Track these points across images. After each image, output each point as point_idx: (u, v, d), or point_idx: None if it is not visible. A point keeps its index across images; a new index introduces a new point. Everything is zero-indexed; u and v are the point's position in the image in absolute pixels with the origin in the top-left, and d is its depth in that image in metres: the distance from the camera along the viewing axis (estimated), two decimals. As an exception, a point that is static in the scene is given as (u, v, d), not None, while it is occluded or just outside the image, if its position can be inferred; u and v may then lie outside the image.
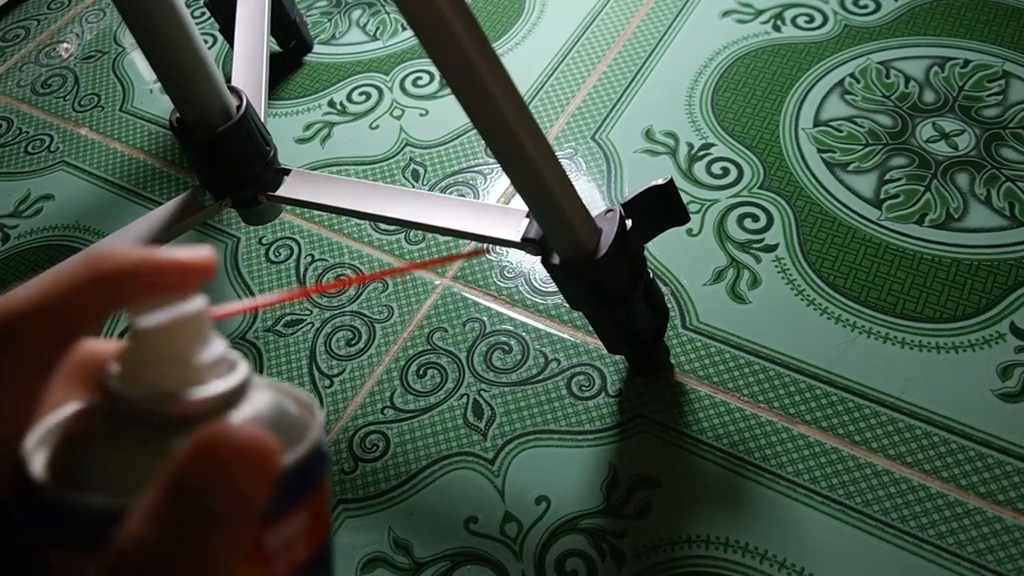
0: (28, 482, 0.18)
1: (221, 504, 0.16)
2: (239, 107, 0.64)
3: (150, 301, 0.19)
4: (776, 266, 0.75)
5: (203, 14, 1.09)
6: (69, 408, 0.20)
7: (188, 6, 1.08)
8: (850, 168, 0.81)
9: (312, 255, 0.83)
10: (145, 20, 0.56)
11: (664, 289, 0.75)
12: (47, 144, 0.97)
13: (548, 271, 0.61)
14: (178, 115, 0.64)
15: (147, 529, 0.16)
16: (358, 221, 0.85)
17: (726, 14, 0.95)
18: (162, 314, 0.19)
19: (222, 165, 0.66)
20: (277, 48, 1.00)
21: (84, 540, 0.17)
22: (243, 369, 0.20)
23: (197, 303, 0.20)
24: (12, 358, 0.18)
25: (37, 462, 0.18)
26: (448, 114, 0.92)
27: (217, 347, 0.20)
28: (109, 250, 0.19)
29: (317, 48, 1.02)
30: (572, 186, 0.55)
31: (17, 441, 0.19)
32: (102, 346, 0.21)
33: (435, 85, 0.95)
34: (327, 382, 0.74)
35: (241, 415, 0.19)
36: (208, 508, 0.16)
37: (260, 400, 0.20)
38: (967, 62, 0.87)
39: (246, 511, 0.17)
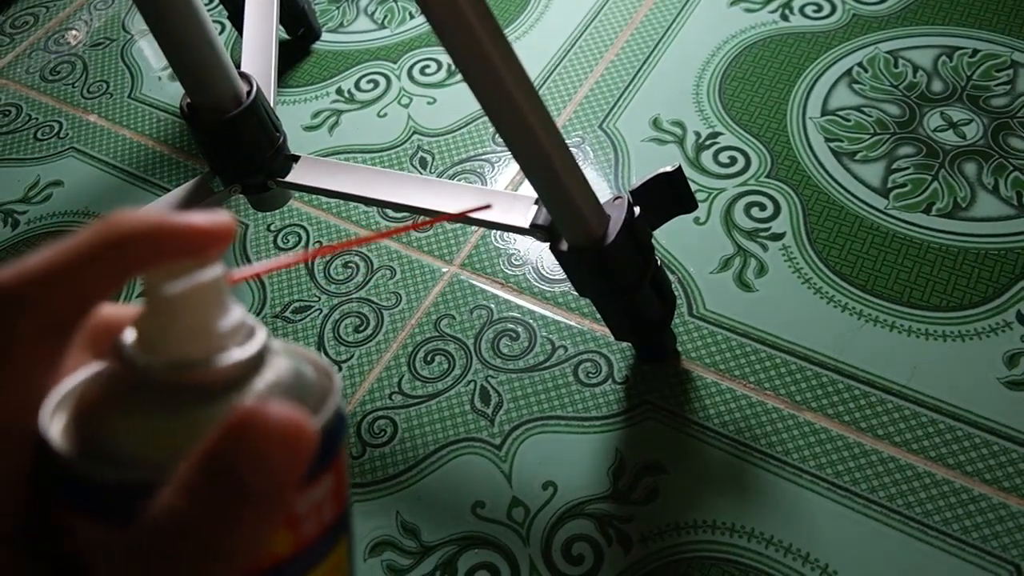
0: (50, 452, 0.18)
1: (258, 483, 0.16)
2: (249, 93, 0.64)
3: (167, 268, 0.19)
4: (783, 254, 0.76)
5: (212, 1, 1.09)
6: (83, 374, 0.20)
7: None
8: (858, 157, 0.81)
9: (320, 242, 0.83)
10: (157, 5, 0.56)
11: (671, 277, 0.75)
12: (56, 131, 0.98)
13: (556, 258, 0.61)
14: (188, 100, 0.64)
15: (183, 505, 0.16)
16: (366, 208, 0.85)
17: (734, 3, 0.95)
18: (181, 281, 0.19)
19: (232, 151, 0.66)
20: (285, 36, 1.00)
21: (108, 512, 0.17)
22: (261, 335, 0.20)
23: (215, 269, 0.19)
24: (29, 323, 0.18)
25: (55, 430, 0.18)
26: (456, 102, 0.92)
27: (236, 314, 0.20)
28: (127, 214, 0.19)
29: (325, 36, 1.02)
30: (581, 173, 0.56)
31: (35, 407, 0.18)
32: (117, 311, 0.21)
33: (443, 73, 0.95)
34: (335, 368, 0.75)
35: (263, 382, 0.19)
36: (245, 486, 0.16)
37: (280, 366, 0.20)
38: (975, 51, 0.87)
39: (282, 489, 0.17)
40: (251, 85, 0.65)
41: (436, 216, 0.66)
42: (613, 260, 0.59)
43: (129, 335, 0.19)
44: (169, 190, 0.89)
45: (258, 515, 0.16)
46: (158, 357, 0.19)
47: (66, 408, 0.19)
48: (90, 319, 0.21)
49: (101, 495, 0.17)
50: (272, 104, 0.70)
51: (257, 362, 0.19)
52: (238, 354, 0.19)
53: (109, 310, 0.21)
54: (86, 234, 0.18)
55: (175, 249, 0.19)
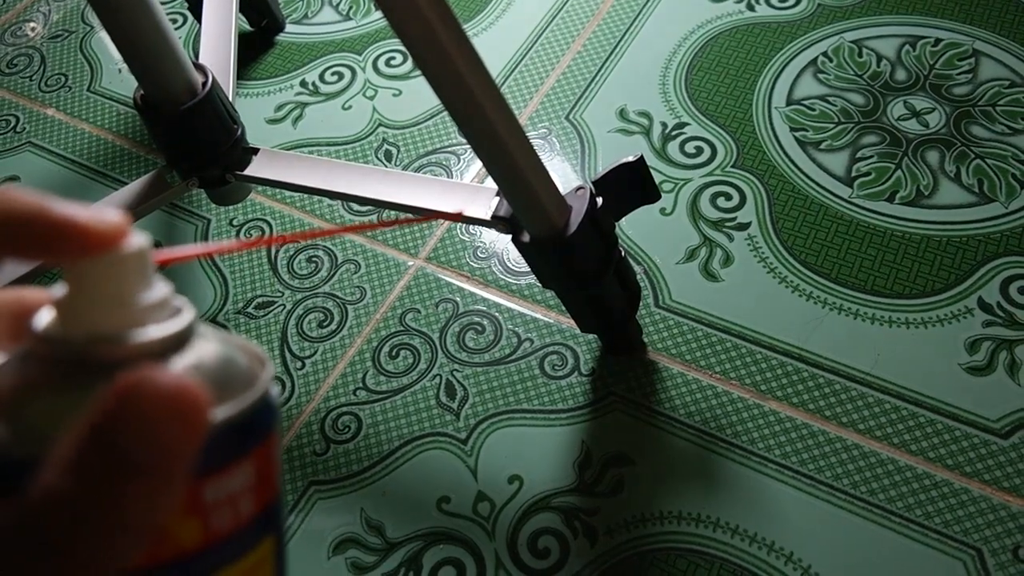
0: None
1: (142, 456, 0.15)
2: (204, 84, 0.63)
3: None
4: (748, 244, 0.75)
5: (172, -7, 1.07)
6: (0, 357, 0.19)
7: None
8: (822, 146, 0.81)
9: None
10: (104, -6, 0.55)
11: (637, 268, 0.75)
12: (13, 125, 0.95)
13: (519, 249, 0.60)
14: (142, 92, 0.63)
15: (62, 480, 0.15)
16: (331, 201, 0.84)
17: (700, -7, 0.95)
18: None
19: (187, 143, 0.65)
20: (249, 28, 0.99)
21: (5, 488, 0.16)
22: (188, 315, 0.19)
23: (139, 241, 0.18)
24: None
25: None
26: (421, 94, 0.91)
27: (160, 290, 0.19)
28: (3, 191, 0.17)
29: (289, 28, 1.00)
30: (541, 163, 0.55)
31: None
32: (36, 294, 0.20)
33: (408, 65, 0.94)
34: (299, 364, 0.74)
35: (182, 362, 0.18)
36: (128, 460, 0.15)
37: (205, 349, 0.19)
38: (938, 41, 0.87)
39: (170, 464, 0.15)
40: (206, 76, 0.63)
41: (403, 219, 0.64)
42: (575, 251, 0.58)
43: (46, 314, 0.18)
44: (129, 185, 0.87)
45: (146, 492, 0.15)
46: (72, 331, 0.18)
47: None
48: (12, 305, 0.20)
49: None
50: (231, 96, 0.69)
51: (178, 341, 0.18)
52: (156, 331, 0.18)
53: (23, 293, 0.20)
54: None
55: (49, 242, 0.17)
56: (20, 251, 0.18)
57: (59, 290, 0.18)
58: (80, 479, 0.15)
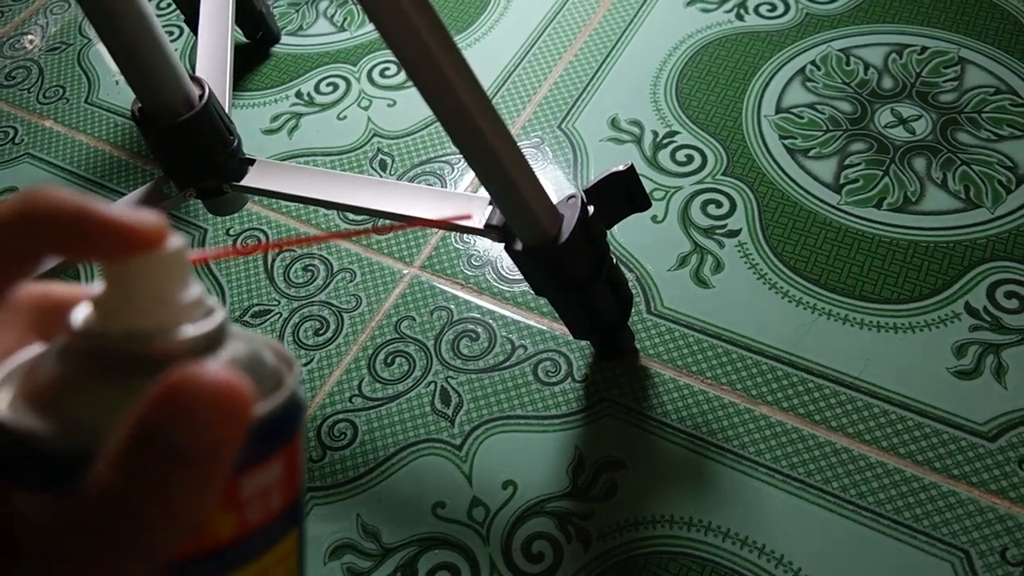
0: None
1: (191, 448, 0.15)
2: (201, 96, 0.64)
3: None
4: (739, 251, 0.76)
5: (169, 6, 1.08)
6: (33, 351, 0.19)
7: (153, -2, 1.07)
8: (811, 154, 0.82)
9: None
10: (102, 7, 0.56)
11: (629, 275, 0.76)
12: (11, 136, 0.96)
13: (511, 257, 0.61)
14: (139, 104, 0.63)
15: (115, 474, 0.15)
16: (326, 211, 0.85)
17: (690, 3, 0.96)
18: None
19: (184, 155, 0.65)
20: (244, 39, 1.00)
21: (46, 481, 0.17)
22: (221, 315, 0.19)
23: (177, 241, 0.19)
24: None
25: (1, 402, 0.17)
26: (416, 104, 0.92)
27: (195, 290, 0.19)
28: (48, 191, 0.18)
29: (284, 39, 1.01)
30: (532, 172, 0.56)
31: None
32: (70, 290, 0.20)
33: (402, 76, 0.95)
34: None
35: (219, 359, 0.18)
36: (178, 452, 0.15)
37: (238, 347, 0.19)
38: (924, 49, 0.88)
39: (217, 456, 0.16)
40: (203, 88, 0.64)
41: (407, 222, 0.65)
42: (567, 259, 0.59)
43: (83, 310, 0.19)
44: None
45: (194, 481, 0.15)
46: (114, 327, 0.18)
47: (13, 382, 0.18)
48: (31, 297, 0.20)
49: (40, 463, 0.17)
50: (227, 107, 0.70)
51: (214, 339, 0.19)
52: (195, 329, 0.18)
53: (53, 288, 0.20)
54: (3, 204, 0.17)
55: (93, 240, 0.18)
56: (64, 250, 0.18)
57: (97, 287, 0.19)
58: (132, 471, 0.15)
